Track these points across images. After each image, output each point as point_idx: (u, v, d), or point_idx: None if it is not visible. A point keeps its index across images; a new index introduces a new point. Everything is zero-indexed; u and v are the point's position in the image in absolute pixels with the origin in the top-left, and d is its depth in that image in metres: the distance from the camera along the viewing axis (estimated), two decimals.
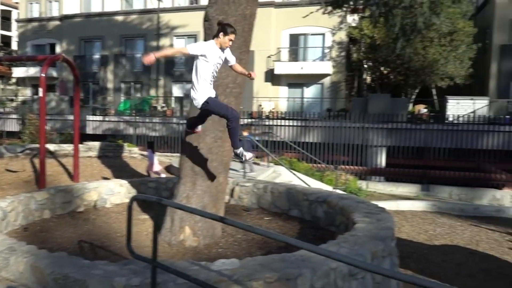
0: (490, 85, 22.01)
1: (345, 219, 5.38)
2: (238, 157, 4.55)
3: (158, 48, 26.53)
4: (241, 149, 4.49)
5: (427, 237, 9.23)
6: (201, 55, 4.09)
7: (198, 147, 5.10)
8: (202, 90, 4.19)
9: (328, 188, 11.79)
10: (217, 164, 5.13)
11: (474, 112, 19.36)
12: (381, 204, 7.01)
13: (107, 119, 22.34)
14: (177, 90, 26.53)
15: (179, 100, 24.92)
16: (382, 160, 18.39)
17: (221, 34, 4.15)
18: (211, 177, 5.10)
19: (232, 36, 4.19)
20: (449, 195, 15.97)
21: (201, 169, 5.07)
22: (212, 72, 4.21)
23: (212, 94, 4.28)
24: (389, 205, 11.43)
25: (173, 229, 5.05)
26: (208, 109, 4.28)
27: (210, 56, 4.11)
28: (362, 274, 3.64)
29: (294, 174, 11.69)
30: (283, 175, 11.43)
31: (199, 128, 4.88)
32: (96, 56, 28.43)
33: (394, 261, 4.49)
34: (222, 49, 4.23)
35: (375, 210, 5.34)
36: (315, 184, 12.01)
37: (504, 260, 7.78)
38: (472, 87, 22.65)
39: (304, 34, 24.37)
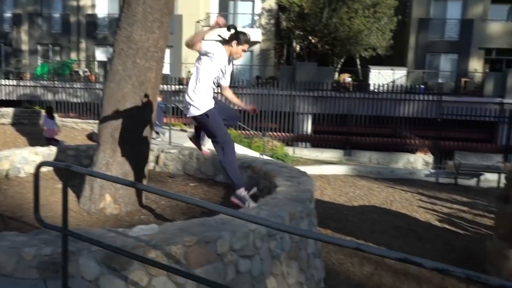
0: (408, 57, 23.33)
1: (268, 183, 5.53)
2: (240, 199, 3.89)
3: (78, 8, 24.79)
4: (242, 191, 3.83)
5: (347, 199, 9.77)
6: (207, 54, 3.63)
7: (118, 113, 4.90)
8: (203, 99, 3.69)
9: (255, 154, 12.01)
10: (138, 131, 4.99)
11: (393, 81, 20.50)
12: (305, 169, 7.30)
13: (22, 83, 20.70)
14: (100, 54, 25.12)
15: (103, 64, 23.65)
16: (308, 127, 19.00)
17: (234, 42, 3.74)
18: (132, 143, 4.96)
19: (245, 46, 3.79)
20: (368, 160, 16.99)
21: (121, 135, 4.90)
22: (213, 79, 3.75)
23: (212, 105, 3.80)
24: (313, 170, 11.93)
25: (93, 197, 4.88)
26: (203, 122, 3.82)
27: (217, 58, 3.67)
28: (281, 235, 3.78)
29: None
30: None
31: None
32: (8, 15, 25.92)
33: (312, 221, 4.71)
34: (230, 59, 3.82)
35: (296, 174, 5.53)
36: (242, 150, 12.15)
37: (413, 217, 8.50)
38: (392, 58, 23.87)
39: (234, 0, 23.97)
